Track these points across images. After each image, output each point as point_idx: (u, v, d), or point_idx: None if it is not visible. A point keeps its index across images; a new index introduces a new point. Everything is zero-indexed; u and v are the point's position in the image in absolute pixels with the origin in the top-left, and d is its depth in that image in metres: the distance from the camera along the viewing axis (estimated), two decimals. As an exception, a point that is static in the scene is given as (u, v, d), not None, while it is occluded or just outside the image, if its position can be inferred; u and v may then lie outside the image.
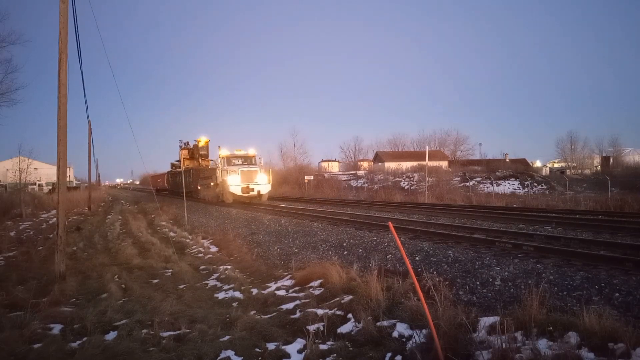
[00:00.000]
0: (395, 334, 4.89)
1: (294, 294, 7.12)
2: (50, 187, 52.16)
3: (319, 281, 7.34)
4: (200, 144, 40.78)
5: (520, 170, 49.29)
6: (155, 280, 8.72)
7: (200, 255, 11.59)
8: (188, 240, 14.07)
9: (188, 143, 43.97)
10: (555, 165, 74.36)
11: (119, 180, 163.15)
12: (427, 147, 33.89)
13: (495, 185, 39.20)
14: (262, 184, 25.08)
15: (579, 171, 64.00)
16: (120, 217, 23.46)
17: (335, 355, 4.63)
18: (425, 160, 31.88)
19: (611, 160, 62.12)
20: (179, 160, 42.96)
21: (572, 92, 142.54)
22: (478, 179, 43.23)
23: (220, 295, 7.48)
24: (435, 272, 7.21)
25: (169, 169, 44.88)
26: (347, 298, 6.17)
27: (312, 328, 5.25)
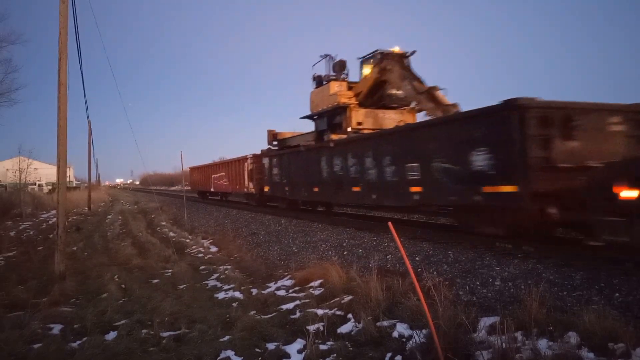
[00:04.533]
0: (395, 334, 4.89)
1: (294, 294, 7.12)
2: (50, 187, 52.18)
3: (319, 281, 7.33)
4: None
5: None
6: (155, 280, 8.71)
7: (200, 255, 11.58)
8: (188, 241, 14.06)
9: (382, 55, 14.45)
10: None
11: (118, 180, 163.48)
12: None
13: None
14: None
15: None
16: (120, 217, 23.45)
17: (335, 355, 4.63)
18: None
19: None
20: (328, 111, 15.96)
21: (569, 90, 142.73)
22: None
23: (220, 296, 7.47)
24: (435, 272, 7.21)
25: (267, 148, 20.30)
26: (347, 298, 6.17)
27: (312, 328, 5.25)
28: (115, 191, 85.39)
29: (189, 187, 40.38)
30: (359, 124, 14.97)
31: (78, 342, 5.30)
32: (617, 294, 5.42)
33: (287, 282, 7.98)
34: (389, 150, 10.99)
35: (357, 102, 15.35)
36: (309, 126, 18.86)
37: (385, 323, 5.17)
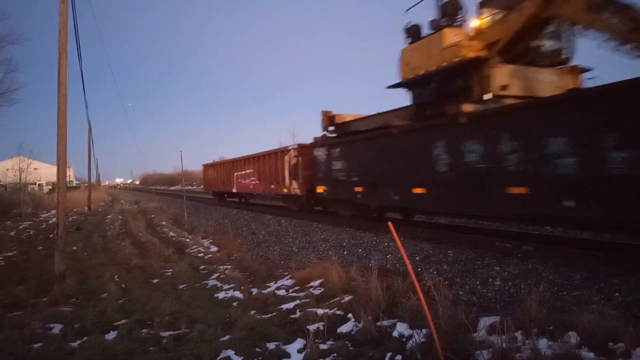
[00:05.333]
0: (395, 333, 4.89)
1: (294, 294, 7.12)
2: (50, 187, 52.26)
3: (319, 281, 7.33)
4: None
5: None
6: (155, 280, 8.71)
7: (200, 255, 11.59)
8: (188, 240, 14.06)
9: None
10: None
11: (118, 180, 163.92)
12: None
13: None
14: None
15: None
16: (120, 217, 23.46)
17: (335, 354, 4.63)
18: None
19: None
20: (441, 72, 10.20)
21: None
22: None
23: (220, 295, 7.47)
24: (435, 272, 7.21)
25: (322, 135, 15.41)
26: (347, 298, 6.17)
27: (312, 328, 5.25)
28: (115, 191, 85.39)
29: (203, 188, 34.91)
30: (504, 88, 9.42)
31: (78, 341, 5.30)
32: (617, 294, 5.43)
33: (287, 281, 7.98)
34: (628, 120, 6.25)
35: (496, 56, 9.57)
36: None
37: (385, 323, 5.17)
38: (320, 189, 14.78)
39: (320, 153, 14.71)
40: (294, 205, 17.89)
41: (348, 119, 14.84)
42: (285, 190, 17.47)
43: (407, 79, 11.29)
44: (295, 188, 16.58)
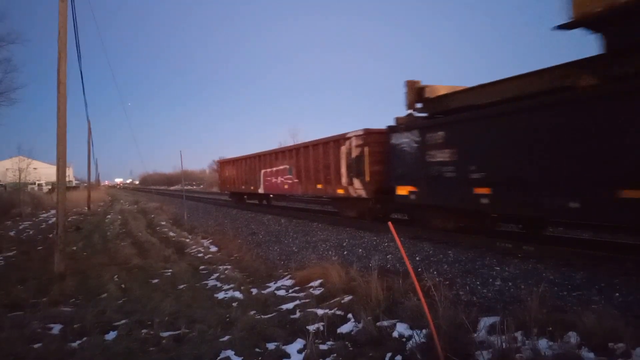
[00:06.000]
0: (395, 334, 4.89)
1: (294, 294, 7.12)
2: (50, 187, 52.29)
3: (319, 281, 7.33)
4: None
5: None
6: (155, 280, 8.71)
7: (200, 255, 11.59)
8: (188, 240, 14.06)
9: None
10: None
11: (118, 180, 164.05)
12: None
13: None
14: None
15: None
16: (119, 217, 23.45)
17: (335, 355, 4.63)
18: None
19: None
20: None
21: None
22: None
23: (220, 295, 7.48)
24: (435, 272, 7.21)
25: (407, 115, 10.81)
26: (347, 298, 6.17)
27: (312, 328, 5.25)
28: (115, 191, 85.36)
29: (219, 189, 30.63)
30: None
31: (78, 342, 5.30)
32: (617, 294, 5.43)
33: (287, 282, 7.98)
34: None
35: None
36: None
37: (385, 323, 5.17)
38: (402, 190, 10.77)
39: (404, 140, 10.66)
40: (351, 212, 13.61)
41: (443, 91, 10.51)
42: (340, 192, 13.28)
43: (589, 15, 6.67)
44: (357, 188, 12.45)
